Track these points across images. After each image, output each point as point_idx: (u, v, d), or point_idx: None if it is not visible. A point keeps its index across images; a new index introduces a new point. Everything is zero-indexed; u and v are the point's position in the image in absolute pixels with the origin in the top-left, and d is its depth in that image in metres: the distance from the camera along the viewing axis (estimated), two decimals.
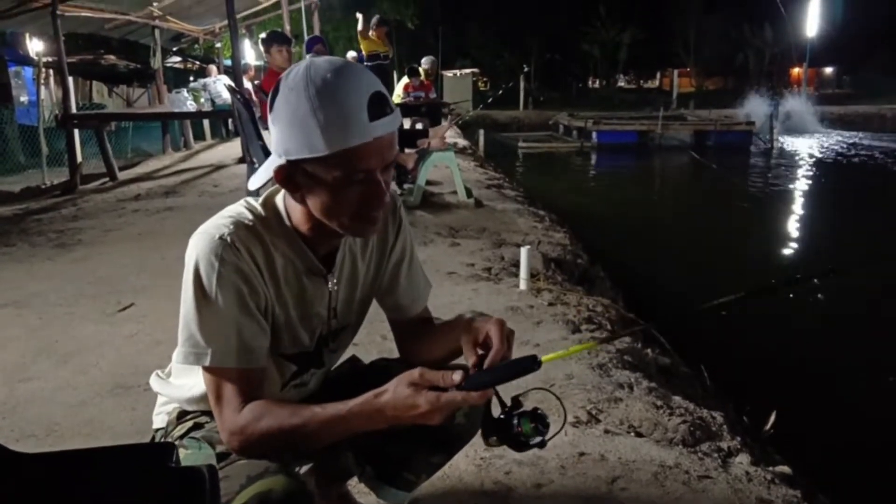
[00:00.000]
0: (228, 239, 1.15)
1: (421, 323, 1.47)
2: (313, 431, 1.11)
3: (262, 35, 7.92)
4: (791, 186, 12.80)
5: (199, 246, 1.15)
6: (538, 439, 1.15)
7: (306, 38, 9.19)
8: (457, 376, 1.07)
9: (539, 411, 1.15)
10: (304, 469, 1.67)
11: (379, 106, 1.09)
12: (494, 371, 1.13)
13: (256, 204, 1.24)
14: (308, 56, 1.15)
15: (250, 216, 1.21)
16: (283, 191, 1.25)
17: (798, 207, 10.90)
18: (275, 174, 1.14)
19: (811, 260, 7.17)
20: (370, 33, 9.69)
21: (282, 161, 1.12)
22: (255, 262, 1.18)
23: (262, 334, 1.19)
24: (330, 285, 1.30)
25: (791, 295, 5.51)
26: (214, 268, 1.14)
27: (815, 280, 5.17)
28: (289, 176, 1.14)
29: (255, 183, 1.24)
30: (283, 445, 1.13)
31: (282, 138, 1.11)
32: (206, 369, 1.16)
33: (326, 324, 1.34)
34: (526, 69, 31.98)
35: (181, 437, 1.31)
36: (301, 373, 1.36)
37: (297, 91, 1.08)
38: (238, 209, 1.23)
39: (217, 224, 1.18)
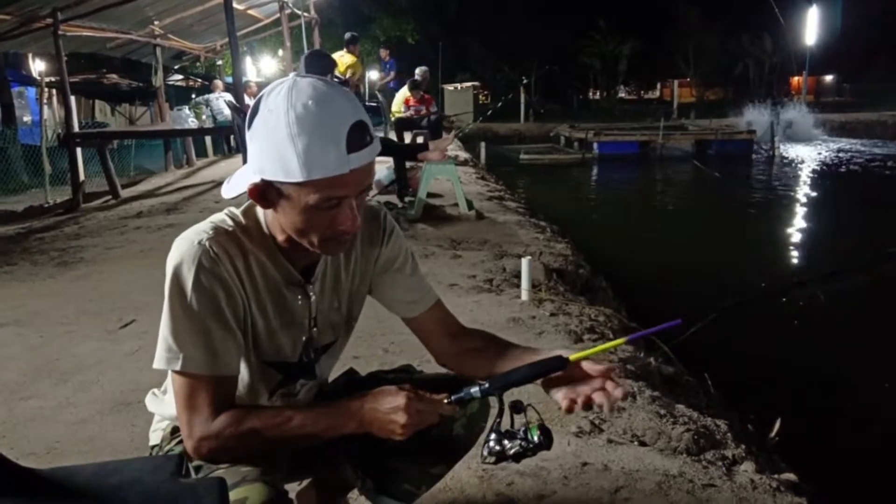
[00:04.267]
0: (207, 245, 1.16)
1: (455, 330, 1.46)
2: (294, 427, 1.13)
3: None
4: (794, 194, 12.78)
5: (179, 251, 1.17)
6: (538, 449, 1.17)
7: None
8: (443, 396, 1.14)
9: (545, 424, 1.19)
10: (304, 483, 1.67)
11: (359, 137, 1.08)
12: (519, 370, 1.17)
13: (238, 212, 1.25)
14: (292, 75, 1.14)
15: (231, 223, 1.22)
16: None
17: (801, 214, 10.88)
18: (249, 190, 1.14)
19: (814, 267, 7.15)
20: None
21: (256, 179, 1.12)
22: (234, 268, 1.19)
23: (235, 343, 1.19)
24: (310, 296, 1.30)
25: (784, 299, 5.48)
26: (192, 273, 1.15)
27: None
28: (263, 193, 1.14)
29: (228, 192, 1.23)
30: (260, 447, 1.14)
31: (259, 157, 1.11)
32: (176, 373, 1.17)
33: (308, 334, 1.34)
34: (525, 81, 32.00)
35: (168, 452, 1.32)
36: (288, 382, 1.35)
37: (277, 114, 1.06)
38: (220, 216, 1.24)
39: (198, 230, 1.19)
